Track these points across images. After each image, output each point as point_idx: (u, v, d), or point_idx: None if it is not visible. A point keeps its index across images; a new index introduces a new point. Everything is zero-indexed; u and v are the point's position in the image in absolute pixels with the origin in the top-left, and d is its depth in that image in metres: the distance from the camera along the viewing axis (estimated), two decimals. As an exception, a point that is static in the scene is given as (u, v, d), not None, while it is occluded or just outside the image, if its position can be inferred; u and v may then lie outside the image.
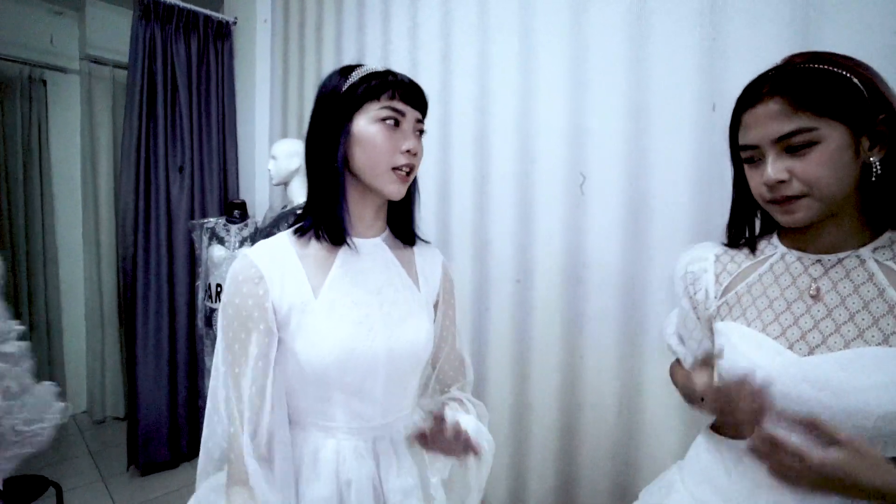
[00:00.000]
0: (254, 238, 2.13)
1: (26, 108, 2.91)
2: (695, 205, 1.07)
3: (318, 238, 0.72)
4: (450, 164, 1.59)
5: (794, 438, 0.49)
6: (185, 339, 2.37)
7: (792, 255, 0.64)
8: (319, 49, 2.15)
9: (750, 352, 0.62)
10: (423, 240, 0.84)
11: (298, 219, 0.75)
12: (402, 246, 0.81)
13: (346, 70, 0.71)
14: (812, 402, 0.55)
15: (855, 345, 0.56)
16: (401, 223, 0.80)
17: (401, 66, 1.74)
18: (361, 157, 0.69)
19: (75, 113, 3.05)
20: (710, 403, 0.62)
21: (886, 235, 0.60)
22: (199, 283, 2.20)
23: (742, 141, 0.62)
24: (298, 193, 1.86)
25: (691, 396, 0.67)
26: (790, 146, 0.56)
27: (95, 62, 2.94)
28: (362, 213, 0.74)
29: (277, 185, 1.91)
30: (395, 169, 0.69)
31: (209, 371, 1.26)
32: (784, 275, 0.64)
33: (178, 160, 2.31)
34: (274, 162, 1.86)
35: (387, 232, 0.80)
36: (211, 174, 2.41)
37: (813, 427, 0.49)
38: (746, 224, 0.70)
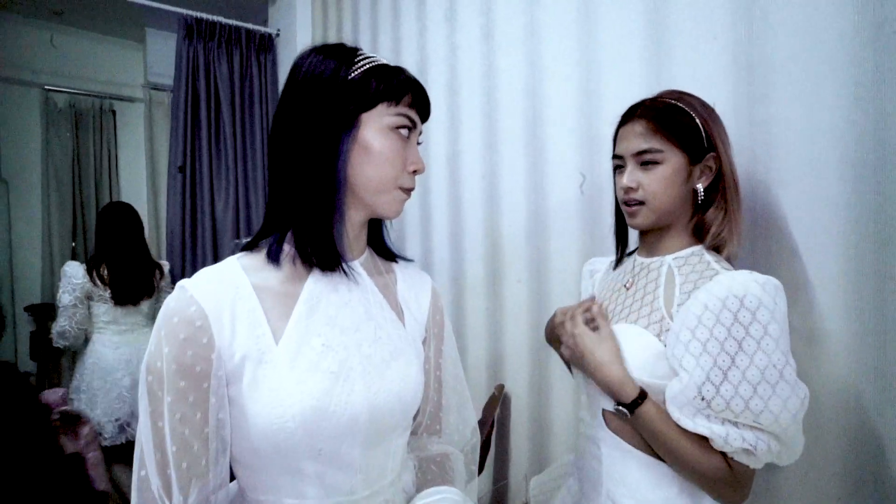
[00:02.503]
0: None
1: (98, 137, 3.08)
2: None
3: (306, 263, 0.57)
4: (497, 162, 1.35)
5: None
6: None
7: (636, 257, 0.80)
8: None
9: None
10: (404, 258, 0.70)
11: (256, 238, 0.59)
12: (382, 270, 0.66)
13: (344, 53, 0.57)
14: None
15: (629, 320, 0.73)
16: (380, 240, 0.67)
17: (438, 54, 1.53)
18: (368, 170, 0.57)
19: (141, 139, 3.17)
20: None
21: (690, 249, 0.72)
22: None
23: (614, 151, 0.76)
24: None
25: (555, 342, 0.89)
26: (643, 161, 0.70)
27: (155, 88, 3.04)
28: (348, 231, 0.60)
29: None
30: (400, 188, 0.59)
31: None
32: (623, 271, 0.82)
33: (222, 178, 2.26)
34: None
35: (367, 253, 0.64)
36: (256, 190, 2.34)
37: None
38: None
